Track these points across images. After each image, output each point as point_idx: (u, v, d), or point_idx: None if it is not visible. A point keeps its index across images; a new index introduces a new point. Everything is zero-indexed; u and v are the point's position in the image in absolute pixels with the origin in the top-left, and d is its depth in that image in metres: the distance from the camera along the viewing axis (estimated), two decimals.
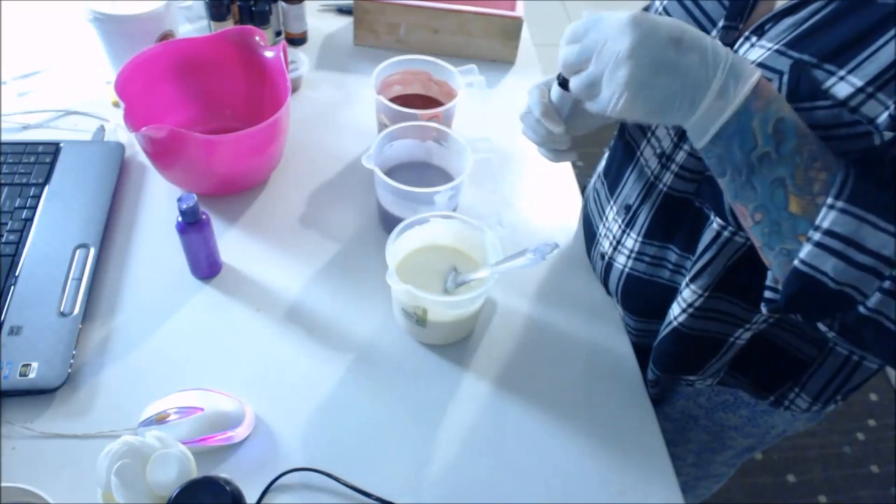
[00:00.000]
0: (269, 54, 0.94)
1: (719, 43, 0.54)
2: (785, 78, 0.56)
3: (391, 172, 0.89)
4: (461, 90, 0.96)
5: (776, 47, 0.57)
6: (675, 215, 0.72)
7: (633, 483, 0.73)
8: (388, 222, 0.87)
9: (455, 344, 0.82)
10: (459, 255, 0.84)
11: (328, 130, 1.05)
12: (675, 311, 0.75)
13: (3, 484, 0.61)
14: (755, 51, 0.59)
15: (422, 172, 0.93)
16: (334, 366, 0.79)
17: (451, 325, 0.79)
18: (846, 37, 0.53)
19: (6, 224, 0.85)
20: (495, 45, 1.18)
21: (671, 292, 0.77)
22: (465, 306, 0.77)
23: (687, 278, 0.73)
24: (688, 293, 0.72)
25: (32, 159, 0.92)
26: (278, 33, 1.15)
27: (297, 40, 1.18)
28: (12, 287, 0.79)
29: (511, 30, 1.15)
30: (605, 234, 0.83)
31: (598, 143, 0.95)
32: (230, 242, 0.88)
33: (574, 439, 0.75)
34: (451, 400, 0.77)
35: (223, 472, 0.67)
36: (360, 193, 0.96)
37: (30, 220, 0.85)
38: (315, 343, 0.80)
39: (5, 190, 0.88)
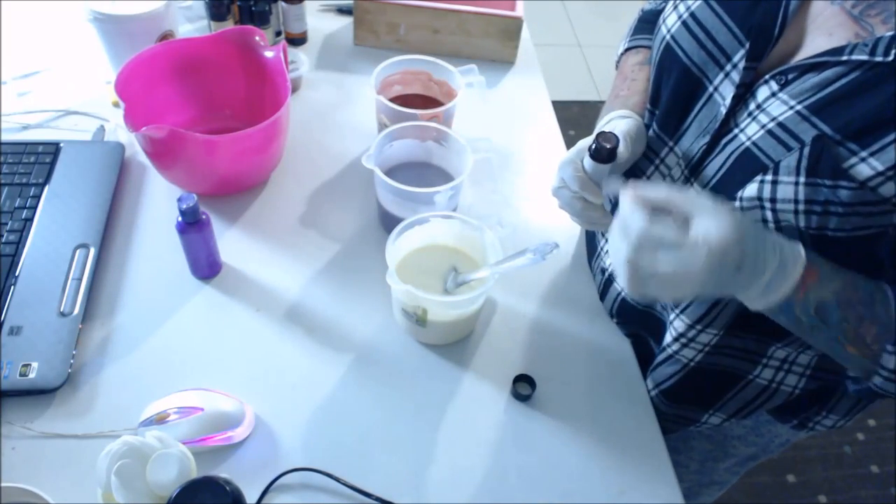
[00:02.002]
0: (269, 54, 0.94)
1: (771, 237, 0.55)
2: (806, 150, 0.55)
3: (391, 172, 0.89)
4: (461, 90, 0.96)
5: (799, 108, 0.57)
6: None
7: (633, 483, 0.73)
8: (388, 222, 0.87)
9: (455, 344, 0.82)
10: (459, 255, 0.84)
11: (328, 130, 1.05)
12: (675, 346, 0.75)
13: (3, 484, 0.61)
14: (776, 104, 0.58)
15: (422, 172, 0.93)
16: (334, 366, 0.79)
17: (451, 325, 0.79)
18: (870, 116, 0.53)
19: (6, 224, 0.85)
20: (495, 45, 1.18)
21: (663, 324, 0.78)
22: (465, 306, 0.77)
23: (694, 320, 0.71)
24: (704, 336, 0.72)
25: (32, 159, 0.92)
26: (278, 33, 1.15)
27: (297, 40, 1.18)
28: (12, 287, 0.79)
29: (511, 30, 1.15)
30: (608, 251, 0.83)
31: None
32: (230, 242, 0.88)
33: (574, 439, 0.75)
34: (451, 400, 0.77)
35: (223, 472, 0.67)
36: (360, 193, 0.96)
37: (30, 220, 0.85)
38: (315, 343, 0.80)
39: (5, 190, 0.88)
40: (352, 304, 0.84)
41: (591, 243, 0.89)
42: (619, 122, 0.72)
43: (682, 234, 0.53)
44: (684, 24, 0.66)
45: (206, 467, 0.69)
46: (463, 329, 0.82)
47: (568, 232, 0.95)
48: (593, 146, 0.67)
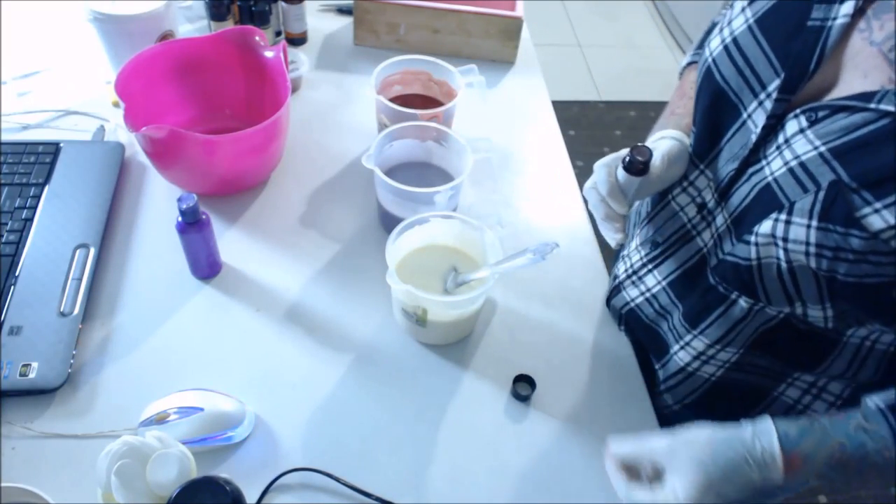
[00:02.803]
0: (269, 54, 0.94)
1: (743, 466, 0.57)
2: (821, 195, 0.55)
3: (391, 172, 0.89)
4: (461, 90, 0.96)
5: (822, 149, 0.56)
6: (704, 282, 0.71)
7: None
8: (388, 222, 0.87)
9: (455, 344, 0.82)
10: (459, 255, 0.84)
11: (328, 130, 1.05)
12: (695, 364, 0.74)
13: (3, 484, 0.61)
14: (802, 142, 0.58)
15: (422, 172, 0.93)
16: (334, 366, 0.79)
17: (451, 325, 0.79)
18: (889, 168, 0.52)
19: (6, 224, 0.85)
20: (495, 45, 1.18)
21: (664, 341, 0.78)
22: (465, 306, 0.77)
23: (714, 340, 0.71)
24: (724, 354, 0.72)
25: (32, 159, 0.92)
26: (278, 33, 1.15)
27: (297, 40, 1.18)
28: (12, 287, 0.79)
29: (511, 30, 1.15)
30: (622, 257, 0.83)
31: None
32: (230, 242, 0.88)
33: (574, 439, 0.75)
34: (451, 400, 0.77)
35: (223, 472, 0.67)
36: (360, 193, 0.96)
37: (30, 220, 0.85)
38: (315, 343, 0.80)
39: (5, 190, 0.88)
40: (352, 304, 0.84)
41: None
42: (663, 142, 0.72)
43: (656, 494, 0.59)
44: (726, 48, 0.66)
45: (206, 467, 0.69)
46: (463, 329, 0.82)
47: (568, 232, 0.95)
48: (627, 158, 0.67)
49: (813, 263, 0.57)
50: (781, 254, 0.59)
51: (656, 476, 0.60)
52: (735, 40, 0.65)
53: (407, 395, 0.77)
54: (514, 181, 1.01)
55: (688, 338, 0.74)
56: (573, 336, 0.84)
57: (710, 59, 0.68)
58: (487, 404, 0.77)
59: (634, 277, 0.80)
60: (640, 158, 0.66)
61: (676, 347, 0.76)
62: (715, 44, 0.68)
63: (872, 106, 0.54)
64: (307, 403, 0.75)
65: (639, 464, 0.61)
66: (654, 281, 0.77)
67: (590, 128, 2.58)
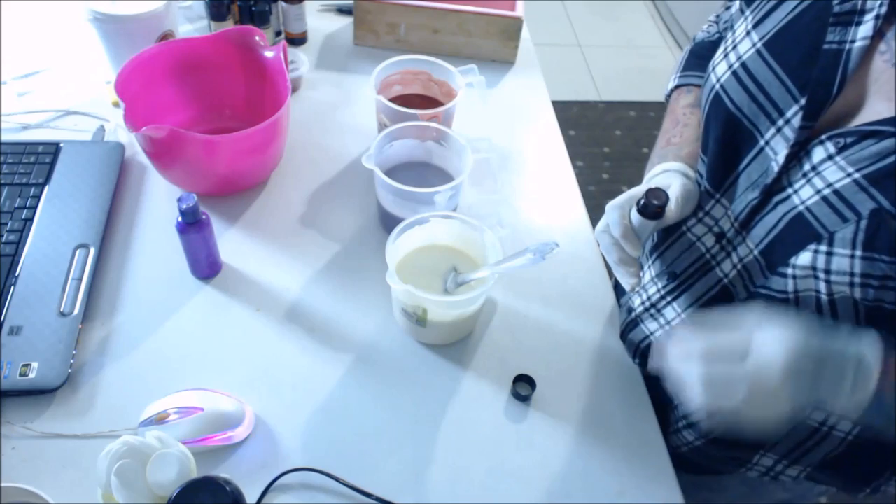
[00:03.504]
0: (269, 54, 0.94)
1: (842, 336, 0.54)
2: (864, 223, 0.54)
3: (391, 172, 0.89)
4: (461, 90, 0.96)
5: (857, 176, 0.55)
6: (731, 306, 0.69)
7: (633, 483, 0.73)
8: (388, 222, 0.87)
9: (455, 344, 0.82)
10: (459, 255, 0.84)
11: (328, 130, 1.05)
12: None
13: (3, 484, 0.61)
14: (834, 170, 0.57)
15: (422, 172, 0.93)
16: (334, 366, 0.79)
17: (451, 325, 0.79)
18: None
19: (6, 224, 0.85)
20: (495, 45, 1.18)
21: None
22: (465, 306, 0.77)
23: None
24: None
25: (32, 159, 0.92)
26: (278, 33, 1.15)
27: (297, 40, 1.18)
28: (12, 287, 0.79)
29: (511, 30, 1.15)
30: (637, 291, 0.80)
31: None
32: (230, 242, 0.88)
33: (574, 439, 0.75)
34: (451, 400, 0.77)
35: (223, 472, 0.67)
36: (360, 193, 0.96)
37: (30, 220, 0.85)
38: (315, 343, 0.80)
39: (5, 190, 0.88)
40: (352, 304, 0.84)
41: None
42: (673, 181, 0.70)
43: (747, 343, 0.54)
44: (734, 73, 0.64)
45: (206, 467, 0.69)
46: (463, 329, 0.82)
47: (568, 232, 0.95)
48: (642, 201, 0.65)
49: (858, 294, 0.55)
50: (822, 286, 0.57)
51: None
52: (744, 65, 0.64)
53: (407, 395, 0.77)
54: (514, 181, 1.01)
55: None
56: (573, 336, 0.84)
57: (717, 87, 0.66)
58: (487, 404, 0.77)
59: (653, 310, 0.78)
60: (656, 202, 0.65)
61: None
62: (722, 69, 0.66)
63: None
64: (307, 403, 0.75)
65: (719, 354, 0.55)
66: (673, 314, 0.75)
67: (590, 128, 2.58)
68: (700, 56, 0.82)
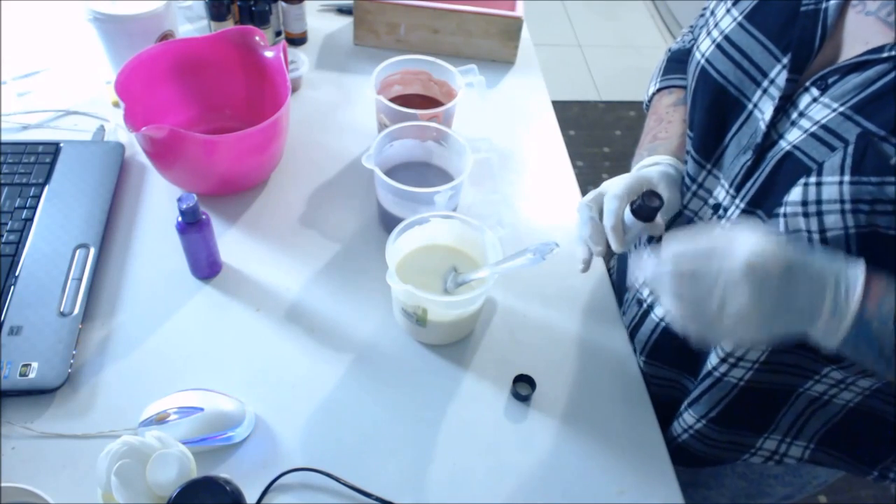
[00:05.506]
0: (269, 54, 0.94)
1: (821, 254, 0.54)
2: (850, 148, 0.55)
3: (391, 172, 0.89)
4: (461, 90, 0.96)
5: (842, 109, 0.56)
6: None
7: (633, 483, 0.73)
8: (388, 222, 0.87)
9: (455, 344, 0.82)
10: (459, 255, 0.84)
11: (328, 130, 1.05)
12: (723, 368, 0.72)
13: (3, 484, 0.61)
14: (819, 109, 0.58)
15: (422, 172, 0.93)
16: (334, 366, 0.79)
17: (451, 325, 0.79)
18: None
19: (6, 224, 0.85)
20: (495, 45, 1.18)
21: (703, 355, 0.76)
22: (465, 306, 0.77)
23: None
24: (752, 353, 0.70)
25: (32, 159, 0.92)
26: (278, 33, 1.15)
27: (297, 40, 1.18)
28: (12, 287, 0.79)
29: (511, 30, 1.15)
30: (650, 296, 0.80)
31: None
32: (230, 242, 0.88)
33: (574, 439, 0.75)
34: (451, 400, 0.77)
35: (223, 472, 0.67)
36: (360, 193, 0.96)
37: (30, 220, 0.85)
38: (315, 343, 0.80)
39: (5, 190, 0.88)
40: (352, 304, 0.84)
41: (622, 265, 0.87)
42: (661, 178, 0.71)
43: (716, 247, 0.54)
44: (718, 46, 0.66)
45: (206, 467, 0.69)
46: (463, 329, 0.82)
47: (568, 232, 0.95)
48: (637, 202, 0.66)
49: (850, 221, 0.55)
50: (814, 222, 0.57)
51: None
52: (727, 38, 0.65)
53: (407, 395, 0.77)
54: (514, 181, 1.01)
55: None
56: (573, 336, 0.84)
57: (702, 60, 0.68)
58: (487, 404, 0.77)
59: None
60: (652, 205, 0.65)
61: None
62: (705, 45, 0.68)
63: (886, 54, 0.54)
64: (307, 403, 0.75)
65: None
66: None
67: (590, 128, 2.58)
68: (678, 61, 0.83)
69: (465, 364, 0.81)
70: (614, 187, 0.69)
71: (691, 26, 0.87)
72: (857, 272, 0.53)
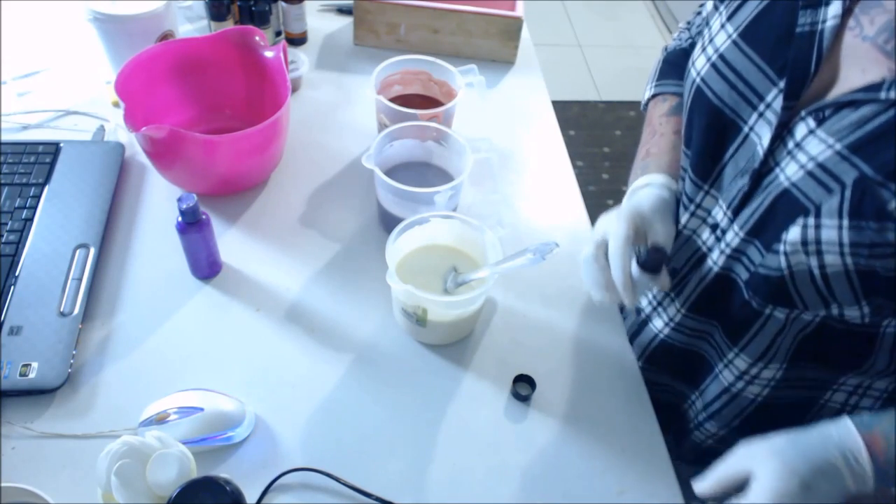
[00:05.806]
0: (269, 54, 0.94)
1: (816, 434, 0.58)
2: (848, 193, 0.55)
3: (391, 172, 0.89)
4: (461, 90, 0.96)
5: (838, 147, 0.56)
6: (726, 295, 0.70)
7: (633, 483, 0.73)
8: (388, 222, 0.87)
9: (455, 344, 0.82)
10: (459, 255, 0.84)
11: (328, 130, 1.05)
12: (739, 385, 0.73)
13: (3, 484, 0.61)
14: (815, 143, 0.58)
15: (422, 172, 0.93)
16: (334, 366, 0.79)
17: (451, 325, 0.79)
18: None
19: (6, 224, 0.85)
20: (495, 45, 1.18)
21: (707, 362, 0.76)
22: (465, 306, 0.77)
23: (755, 357, 0.71)
24: (767, 372, 0.71)
25: (32, 159, 0.92)
26: (278, 33, 1.15)
27: (297, 40, 1.18)
28: (12, 287, 0.79)
29: (511, 30, 1.15)
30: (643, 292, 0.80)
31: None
32: (230, 242, 0.88)
33: (574, 439, 0.75)
34: (451, 400, 0.77)
35: (223, 472, 0.67)
36: (360, 193, 0.96)
37: (30, 220, 0.85)
38: (315, 343, 0.80)
39: (5, 190, 0.88)
40: (352, 304, 0.84)
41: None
42: (654, 211, 0.71)
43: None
44: (713, 66, 0.65)
45: (206, 467, 0.69)
46: (463, 329, 0.82)
47: (568, 232, 0.95)
48: (643, 256, 0.67)
49: (850, 262, 0.56)
50: (814, 261, 0.58)
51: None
52: (721, 57, 0.65)
53: (407, 395, 0.77)
54: (514, 181, 1.01)
55: (730, 355, 0.73)
56: (573, 336, 0.84)
57: (698, 80, 0.67)
58: (487, 404, 0.77)
59: (659, 308, 0.79)
60: (659, 258, 0.67)
61: (721, 366, 0.75)
62: (700, 63, 0.67)
63: (882, 96, 0.53)
64: (307, 403, 0.75)
65: (726, 486, 0.61)
66: (674, 310, 0.77)
67: (590, 128, 2.58)
68: (674, 64, 0.83)
69: (465, 364, 0.81)
70: (615, 237, 0.67)
71: (688, 23, 0.86)
72: (855, 440, 0.57)
